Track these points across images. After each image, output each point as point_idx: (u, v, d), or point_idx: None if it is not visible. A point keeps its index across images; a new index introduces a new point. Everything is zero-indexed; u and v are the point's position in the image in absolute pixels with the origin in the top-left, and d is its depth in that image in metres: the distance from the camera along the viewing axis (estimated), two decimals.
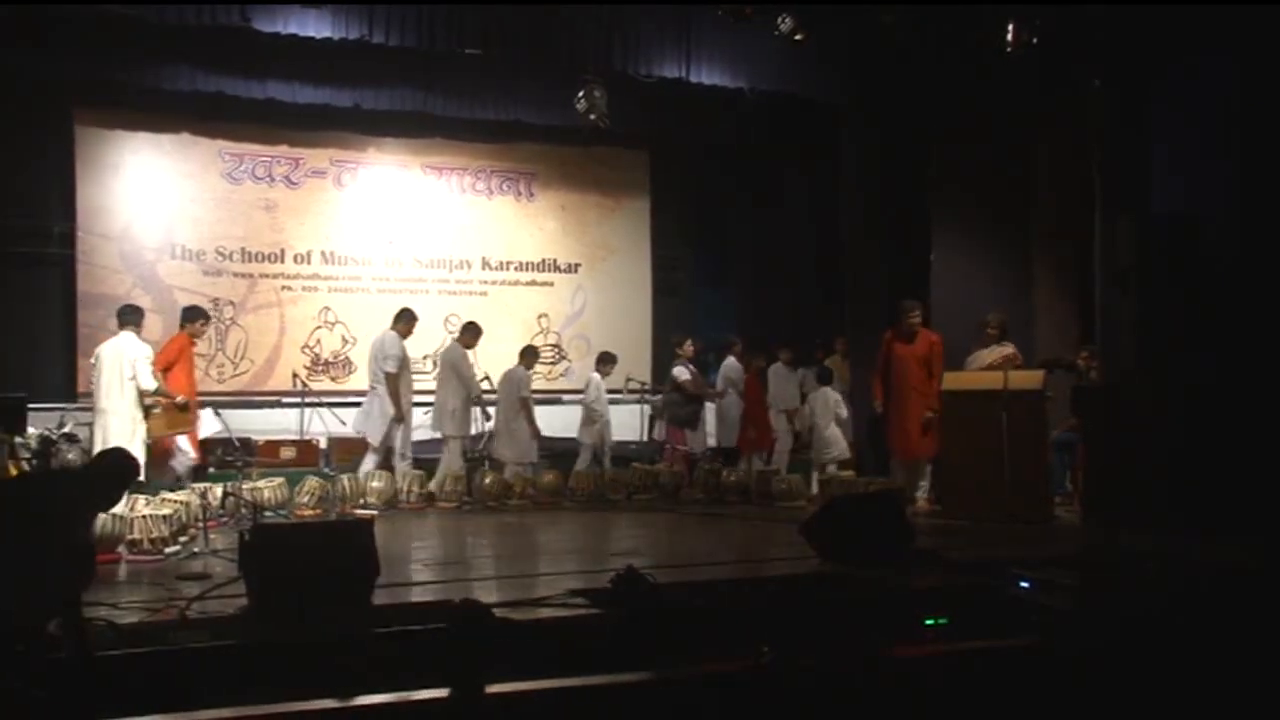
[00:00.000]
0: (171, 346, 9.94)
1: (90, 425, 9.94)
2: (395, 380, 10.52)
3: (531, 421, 11.28)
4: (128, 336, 9.34)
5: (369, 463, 10.51)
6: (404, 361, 10.74)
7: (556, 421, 12.20)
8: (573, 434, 12.04)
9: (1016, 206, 11.09)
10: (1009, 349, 9.83)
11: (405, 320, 10.90)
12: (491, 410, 11.32)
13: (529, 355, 11.75)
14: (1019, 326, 10.25)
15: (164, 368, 9.51)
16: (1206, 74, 8.53)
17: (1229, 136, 8.41)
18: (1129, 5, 8.96)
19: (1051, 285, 11.05)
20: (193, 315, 10.21)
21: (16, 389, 9.59)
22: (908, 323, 10.07)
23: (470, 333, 11.33)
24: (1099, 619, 5.70)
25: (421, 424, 11.34)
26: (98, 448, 8.82)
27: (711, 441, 12.49)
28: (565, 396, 13.66)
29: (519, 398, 11.29)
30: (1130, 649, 5.34)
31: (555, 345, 14.75)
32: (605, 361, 12.16)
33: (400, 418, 10.54)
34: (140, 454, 8.80)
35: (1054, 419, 9.68)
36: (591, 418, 11.85)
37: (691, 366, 12.03)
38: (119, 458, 5.53)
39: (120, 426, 9.03)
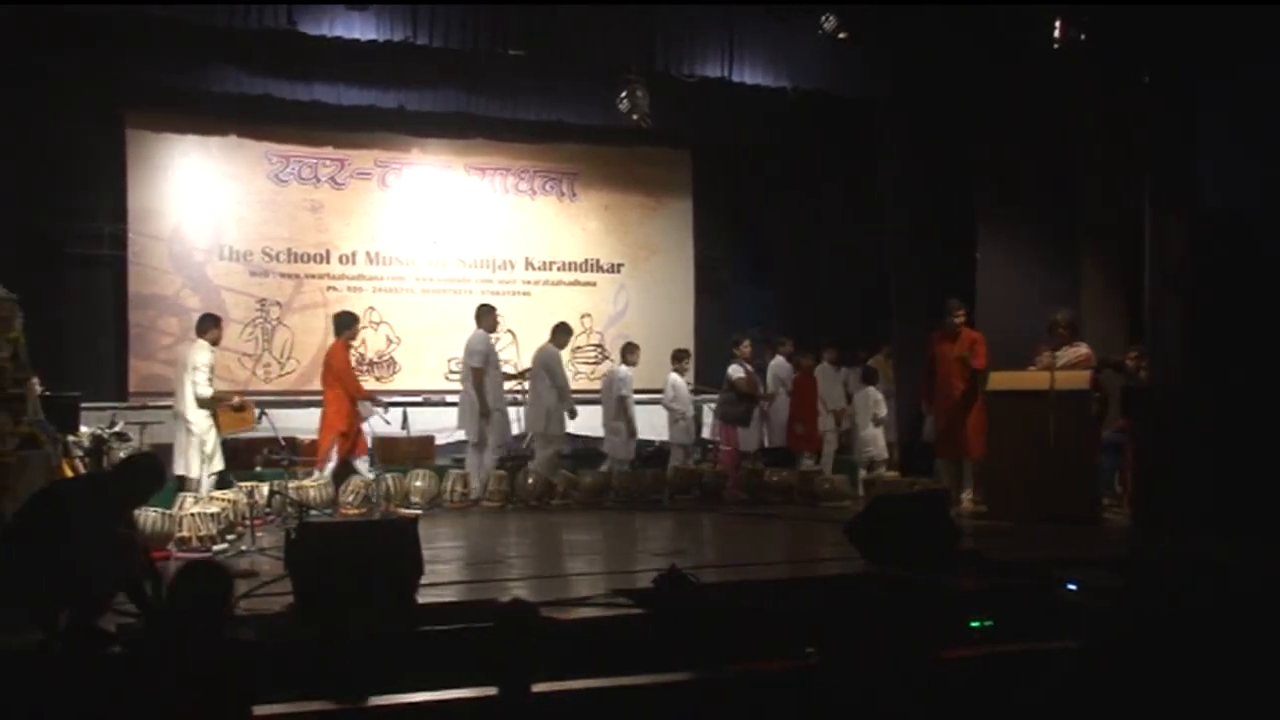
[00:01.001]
0: (343, 361, 10.40)
1: (139, 424, 10.18)
2: (481, 375, 10.67)
3: (629, 421, 11.47)
4: (199, 344, 9.72)
5: (472, 459, 10.74)
6: (491, 358, 10.88)
7: (596, 420, 12.19)
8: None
9: (1063, 204, 10.94)
10: (1084, 349, 9.53)
11: (487, 316, 11.04)
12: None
13: (630, 352, 11.93)
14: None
15: (350, 379, 10.36)
16: (1256, 70, 8.40)
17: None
18: (1178, 2, 8.82)
19: (1100, 284, 10.90)
20: (347, 322, 10.64)
21: (70, 388, 9.74)
22: (951, 321, 9.97)
23: (563, 333, 11.48)
24: (1145, 622, 5.63)
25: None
26: (177, 449, 9.49)
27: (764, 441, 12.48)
28: None
29: (617, 397, 11.44)
30: (1175, 652, 5.28)
31: (598, 345, 14.77)
32: (680, 359, 12.28)
33: (487, 413, 10.66)
34: (191, 456, 9.36)
35: (1102, 419, 9.55)
36: (674, 417, 11.97)
37: (747, 366, 12.02)
38: (144, 462, 5.67)
39: (191, 428, 9.45)
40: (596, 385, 13.01)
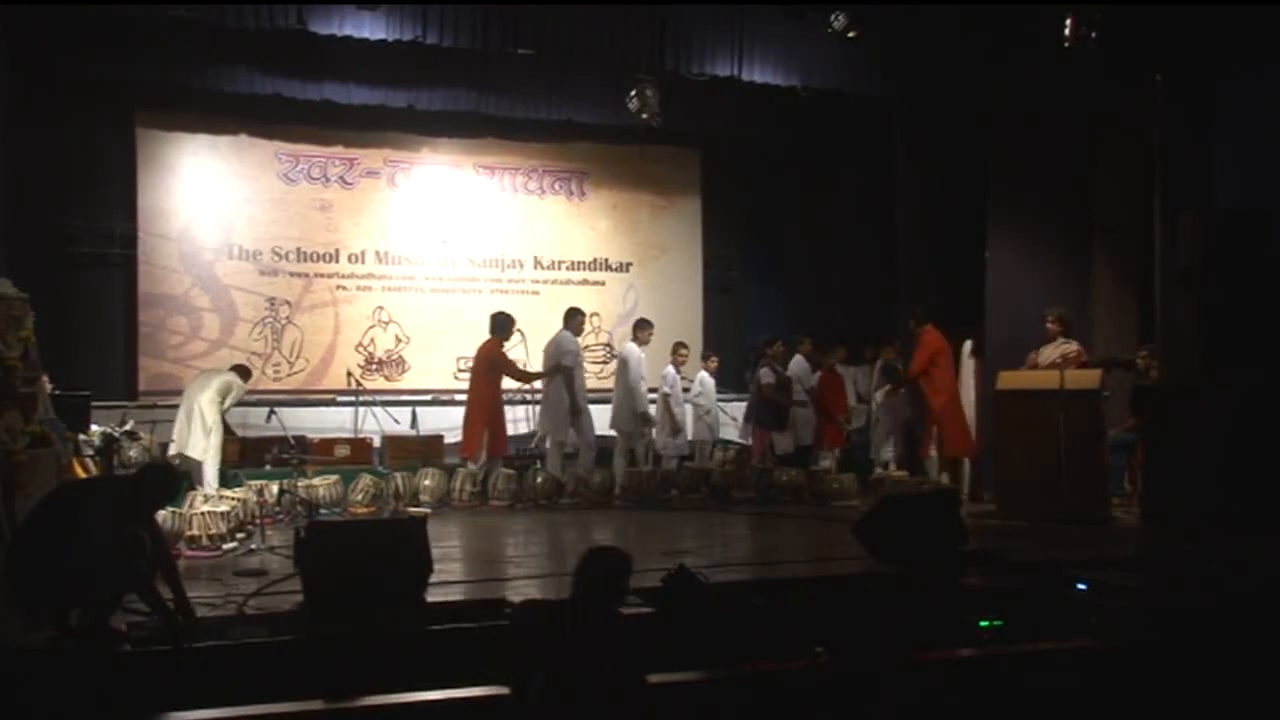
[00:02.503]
0: (503, 356, 10.90)
1: (150, 423, 10.21)
2: (571, 374, 10.82)
3: (672, 418, 11.61)
4: (239, 381, 10.26)
5: (554, 459, 10.92)
6: (580, 358, 11.06)
7: (606, 418, 12.18)
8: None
9: (1076, 203, 10.90)
10: (1072, 346, 9.51)
11: (575, 318, 11.16)
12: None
13: (678, 351, 12.00)
14: (1078, 324, 10.08)
15: (514, 369, 11.01)
16: (1272, 66, 8.37)
17: None
18: (1191, 1, 8.79)
19: (1112, 283, 10.87)
20: (505, 323, 10.94)
21: (80, 387, 9.78)
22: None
23: (646, 329, 11.54)
24: (1155, 621, 5.62)
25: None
26: (175, 435, 9.81)
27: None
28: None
29: (661, 394, 11.63)
30: (1185, 651, 5.27)
31: (607, 344, 14.77)
32: (707, 357, 12.42)
33: (579, 410, 10.84)
34: (196, 438, 9.68)
35: (1113, 418, 9.52)
36: (699, 413, 12.06)
37: (779, 368, 11.91)
38: (163, 470, 5.71)
39: (205, 416, 9.73)
40: (606, 385, 13.00)
